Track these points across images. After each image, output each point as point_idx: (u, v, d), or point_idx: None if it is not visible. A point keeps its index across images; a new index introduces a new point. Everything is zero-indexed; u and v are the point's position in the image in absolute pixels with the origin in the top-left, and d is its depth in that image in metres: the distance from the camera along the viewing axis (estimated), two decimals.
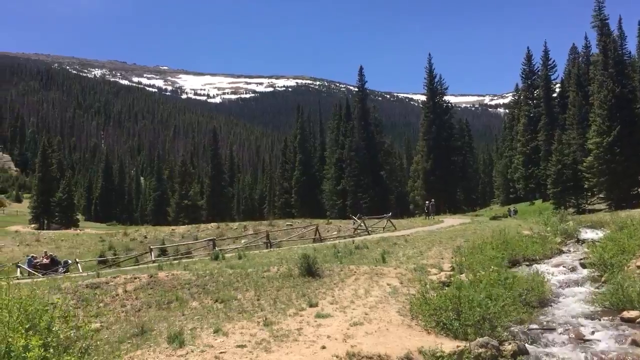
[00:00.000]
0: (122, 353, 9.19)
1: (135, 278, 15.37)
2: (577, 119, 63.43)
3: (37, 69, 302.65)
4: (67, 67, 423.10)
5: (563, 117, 69.05)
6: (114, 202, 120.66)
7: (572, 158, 58.84)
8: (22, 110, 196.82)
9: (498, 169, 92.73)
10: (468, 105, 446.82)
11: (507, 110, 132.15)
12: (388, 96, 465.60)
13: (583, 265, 18.02)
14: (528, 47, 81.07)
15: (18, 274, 26.51)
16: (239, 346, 8.77)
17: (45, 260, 28.83)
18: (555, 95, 76.18)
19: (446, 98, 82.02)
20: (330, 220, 46.52)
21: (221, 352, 8.44)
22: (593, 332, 10.30)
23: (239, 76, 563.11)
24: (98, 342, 10.22)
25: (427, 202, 50.95)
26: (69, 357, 5.64)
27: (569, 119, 65.89)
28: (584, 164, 55.20)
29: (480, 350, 8.69)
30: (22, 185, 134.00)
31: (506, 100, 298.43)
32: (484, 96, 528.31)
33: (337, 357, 8.22)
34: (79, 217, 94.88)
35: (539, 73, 76.72)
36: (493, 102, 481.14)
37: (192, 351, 8.61)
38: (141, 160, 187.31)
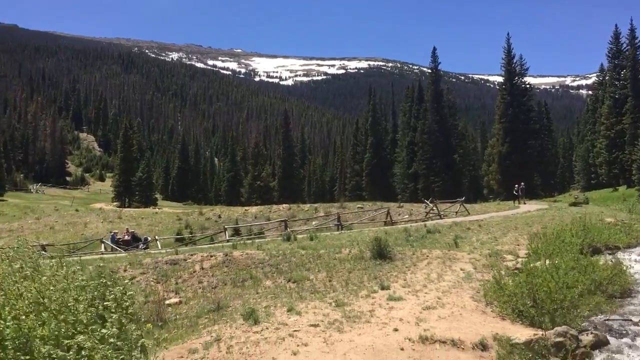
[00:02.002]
0: (200, 327, 9.55)
1: (212, 256, 15.87)
2: None
3: (119, 52, 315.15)
4: (147, 51, 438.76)
5: None
6: (190, 182, 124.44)
7: None
8: (105, 93, 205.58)
9: (579, 153, 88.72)
10: (547, 87, 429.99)
11: (590, 92, 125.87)
12: (462, 77, 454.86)
13: None
14: (616, 25, 76.07)
15: (102, 249, 28.05)
16: (312, 325, 8.90)
17: (127, 237, 30.27)
18: None
19: (525, 79, 78.97)
20: (401, 204, 46.20)
21: (295, 330, 8.61)
22: None
23: (311, 58, 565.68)
24: (177, 316, 10.69)
25: (516, 185, 47.02)
26: (149, 325, 5.90)
27: None
28: None
29: (558, 339, 8.43)
30: (105, 165, 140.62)
31: (589, 81, 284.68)
32: (565, 77, 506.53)
33: (409, 340, 8.20)
34: (157, 196, 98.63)
35: (627, 53, 72.36)
36: (575, 83, 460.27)
37: (267, 328, 8.82)
38: (215, 141, 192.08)
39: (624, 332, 9.60)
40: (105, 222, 42.49)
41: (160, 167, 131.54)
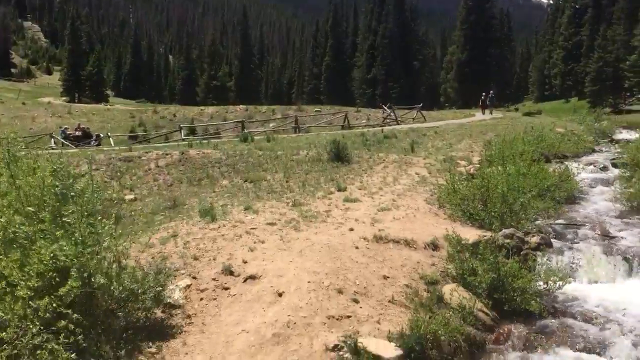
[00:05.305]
0: (156, 223, 9.54)
1: (167, 154, 15.66)
2: (626, 13, 59.86)
3: None
4: None
5: (611, 11, 65.23)
6: (143, 79, 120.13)
7: (615, 55, 56.31)
8: None
9: (535, 64, 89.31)
10: None
11: (551, 1, 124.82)
12: None
13: (614, 165, 17.83)
14: None
15: (52, 144, 27.25)
16: (269, 224, 9.00)
17: (78, 133, 29.48)
18: None
19: None
20: (359, 109, 46.20)
21: (252, 228, 8.69)
22: (620, 230, 10.33)
23: None
24: (133, 212, 10.63)
25: (484, 93, 42.90)
26: (106, 222, 5.83)
27: (617, 12, 62.25)
28: (627, 62, 52.84)
29: (505, 240, 8.81)
30: (52, 57, 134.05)
31: None
32: None
33: (364, 239, 8.40)
34: (109, 92, 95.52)
35: None
36: None
37: (224, 225, 8.87)
38: (170, 37, 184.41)
39: (567, 235, 10.11)
40: (54, 117, 41.06)
41: (111, 63, 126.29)
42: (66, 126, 31.57)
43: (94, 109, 49.01)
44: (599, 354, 6.37)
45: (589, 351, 6.42)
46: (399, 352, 5.67)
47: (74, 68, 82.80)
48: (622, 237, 9.91)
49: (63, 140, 27.76)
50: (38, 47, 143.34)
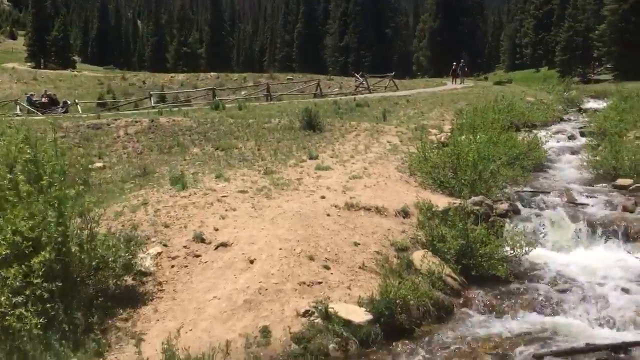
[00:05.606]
0: (126, 191, 9.43)
1: (137, 122, 15.40)
2: None
3: None
4: None
5: None
6: (111, 45, 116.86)
7: (585, 25, 56.81)
8: None
9: (507, 32, 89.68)
10: None
11: None
12: None
13: (582, 134, 18.17)
14: None
15: (17, 111, 26.49)
16: (240, 191, 8.97)
17: (44, 99, 28.69)
18: None
19: None
20: (331, 77, 45.93)
21: (223, 196, 8.65)
22: (585, 197, 10.56)
23: None
24: (102, 180, 10.49)
25: (454, 62, 41.65)
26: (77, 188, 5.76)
27: None
28: (596, 32, 53.35)
29: (474, 207, 8.95)
30: (16, 21, 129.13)
31: None
32: None
33: (336, 206, 8.45)
34: (76, 58, 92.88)
35: None
36: None
37: (195, 193, 8.81)
38: (137, 1, 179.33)
39: (535, 202, 10.31)
40: (19, 83, 39.94)
41: (78, 27, 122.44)
42: (32, 93, 30.73)
43: (60, 75, 47.72)
44: (562, 316, 6.58)
45: (553, 314, 6.63)
46: (369, 316, 5.79)
47: (39, 33, 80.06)
48: (587, 204, 10.14)
49: (29, 107, 27.03)
50: (0, 11, 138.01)
